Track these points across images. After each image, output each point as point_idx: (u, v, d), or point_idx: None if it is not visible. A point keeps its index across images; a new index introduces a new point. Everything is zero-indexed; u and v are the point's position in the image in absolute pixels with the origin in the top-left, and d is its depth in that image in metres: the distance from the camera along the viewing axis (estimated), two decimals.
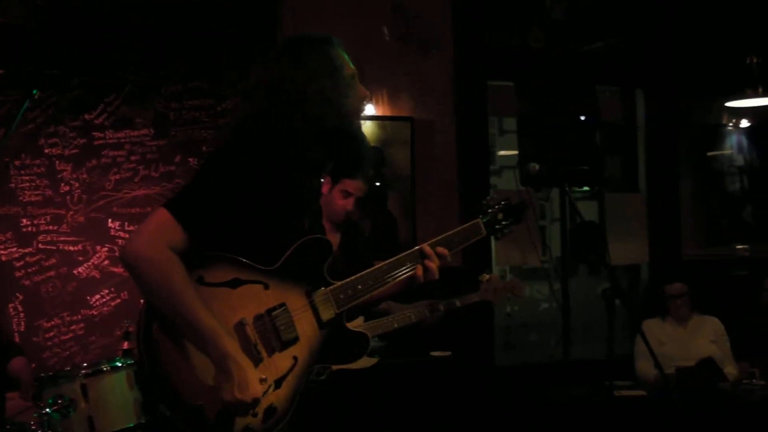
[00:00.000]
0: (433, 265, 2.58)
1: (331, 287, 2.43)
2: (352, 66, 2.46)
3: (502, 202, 2.85)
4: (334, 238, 3.99)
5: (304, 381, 2.35)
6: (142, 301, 2.20)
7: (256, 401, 2.14)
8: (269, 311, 2.28)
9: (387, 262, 2.56)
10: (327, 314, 2.39)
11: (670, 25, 6.89)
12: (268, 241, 2.31)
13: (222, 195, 2.20)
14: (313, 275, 2.40)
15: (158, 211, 2.17)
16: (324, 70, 2.37)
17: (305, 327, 2.36)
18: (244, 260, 2.26)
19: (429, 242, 2.64)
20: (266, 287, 2.29)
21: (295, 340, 2.32)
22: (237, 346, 2.17)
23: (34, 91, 2.47)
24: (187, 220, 2.15)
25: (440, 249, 2.62)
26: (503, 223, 2.83)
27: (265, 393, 2.21)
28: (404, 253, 2.60)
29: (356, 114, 2.48)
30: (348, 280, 2.47)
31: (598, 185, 6.17)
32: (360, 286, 2.47)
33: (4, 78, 2.45)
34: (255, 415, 2.19)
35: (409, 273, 2.58)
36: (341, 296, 2.43)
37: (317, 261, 2.41)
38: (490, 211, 2.81)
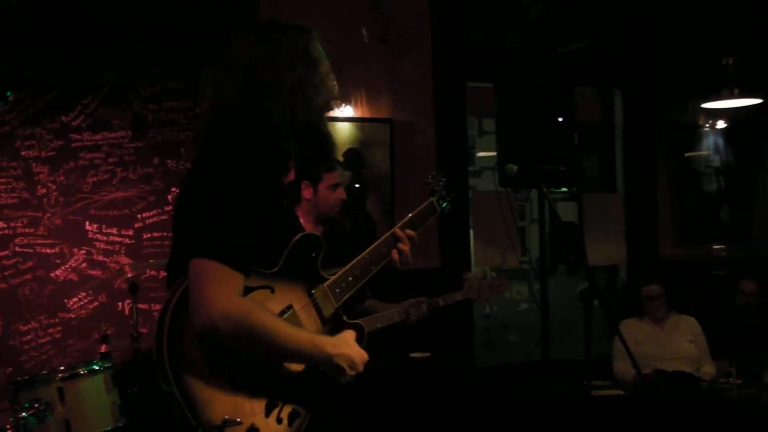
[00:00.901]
0: (406, 247, 2.70)
1: (327, 282, 2.45)
2: (327, 62, 2.43)
3: (443, 179, 3.04)
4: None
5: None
6: (159, 322, 2.11)
7: (364, 361, 2.31)
8: (279, 315, 2.28)
9: (368, 250, 2.63)
10: (328, 310, 2.43)
11: (648, 26, 6.94)
12: (264, 243, 2.27)
13: (247, 218, 2.15)
14: (310, 273, 2.42)
15: (206, 265, 2.08)
16: (300, 59, 2.35)
17: (311, 326, 2.38)
18: (251, 267, 2.22)
19: (397, 225, 2.75)
20: (272, 291, 2.28)
21: None
22: (328, 339, 2.29)
23: (8, 93, 2.45)
24: (238, 263, 2.10)
25: (408, 231, 2.75)
26: (447, 198, 3.02)
27: None
28: (381, 239, 2.69)
29: (326, 109, 2.46)
30: (339, 273, 2.50)
31: (576, 186, 6.20)
32: (350, 278, 2.52)
33: None
34: (280, 422, 2.22)
35: (388, 258, 2.68)
36: (337, 290, 2.47)
37: (311, 258, 2.42)
38: (437, 189, 3.00)
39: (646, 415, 4.84)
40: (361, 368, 2.30)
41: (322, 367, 2.26)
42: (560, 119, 5.39)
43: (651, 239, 6.98)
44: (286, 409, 2.25)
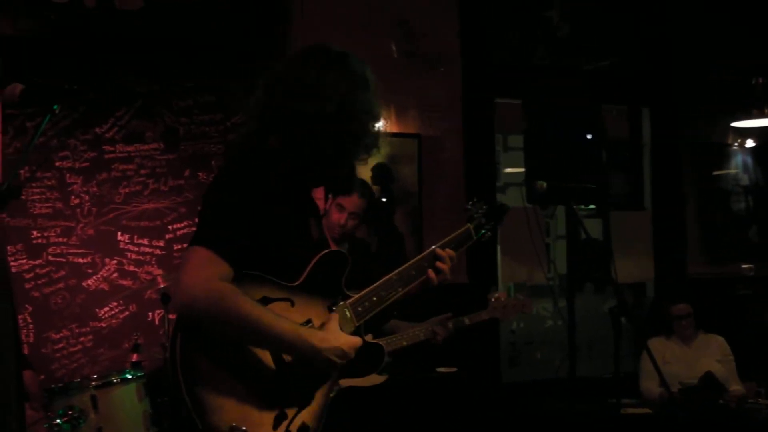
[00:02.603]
0: (446, 266, 2.66)
1: (349, 300, 2.44)
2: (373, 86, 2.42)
3: (485, 207, 2.98)
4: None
5: (331, 397, 2.37)
6: (175, 328, 2.14)
7: (356, 348, 2.29)
8: None
9: (396, 271, 2.59)
10: (348, 328, 2.40)
11: (677, 45, 6.94)
12: (286, 256, 2.30)
13: (247, 215, 2.19)
14: (333, 289, 2.42)
15: (194, 250, 2.12)
16: (363, 84, 2.36)
17: None
18: (269, 278, 2.26)
19: (434, 246, 2.70)
20: (292, 304, 2.29)
21: None
22: (315, 331, 2.27)
23: (55, 106, 2.50)
24: (226, 251, 2.12)
25: (449, 251, 2.70)
26: (487, 226, 2.96)
27: (298, 412, 2.26)
28: (412, 261, 2.65)
29: (372, 133, 2.43)
30: (364, 292, 2.48)
31: (604, 203, 6.19)
32: (375, 298, 2.49)
33: (23, 92, 2.48)
34: None
35: (421, 278, 2.63)
36: (359, 309, 2.44)
37: (336, 274, 2.43)
38: (475, 216, 2.94)
39: None
40: (352, 355, 2.28)
41: (309, 359, 2.22)
42: (589, 136, 5.40)
43: (678, 257, 6.96)
44: (296, 422, 2.25)
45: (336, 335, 2.29)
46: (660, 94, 7.00)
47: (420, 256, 2.68)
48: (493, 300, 4.34)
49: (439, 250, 2.67)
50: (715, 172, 7.22)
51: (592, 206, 6.27)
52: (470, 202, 3.01)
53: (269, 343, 2.19)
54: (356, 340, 2.31)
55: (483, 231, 2.95)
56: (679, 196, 7.02)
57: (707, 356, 5.71)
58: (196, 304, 2.07)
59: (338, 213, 4.05)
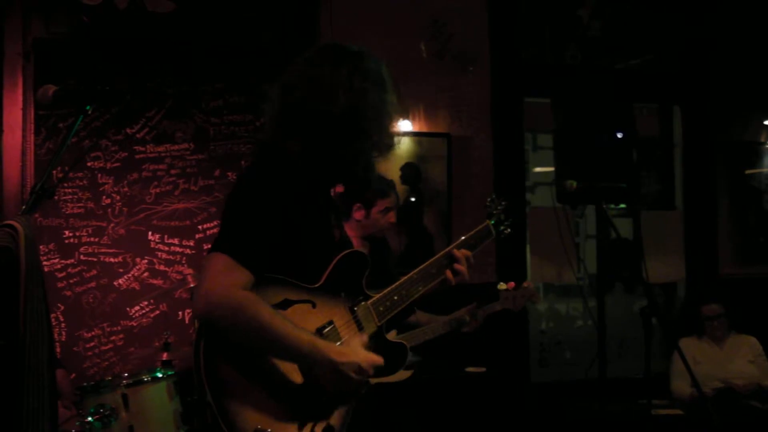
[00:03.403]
0: (463, 267, 2.65)
1: (371, 300, 2.44)
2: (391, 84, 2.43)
3: (503, 203, 2.99)
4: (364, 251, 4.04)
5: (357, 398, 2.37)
6: (198, 334, 2.14)
7: (374, 364, 2.24)
8: (319, 330, 2.28)
9: (417, 270, 2.60)
10: (370, 327, 2.40)
11: (708, 42, 6.87)
12: (307, 258, 2.30)
13: (268, 221, 2.18)
14: (353, 289, 2.41)
15: (214, 257, 2.12)
16: (378, 83, 2.36)
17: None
18: (291, 280, 2.25)
19: (452, 245, 2.71)
20: (314, 306, 2.29)
21: None
22: (334, 346, 2.23)
23: (88, 107, 2.52)
24: (246, 258, 2.11)
25: (465, 251, 2.69)
26: (506, 222, 2.97)
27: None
28: (432, 260, 2.65)
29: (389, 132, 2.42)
30: (385, 291, 2.48)
31: (635, 203, 6.14)
32: (396, 297, 2.49)
33: (56, 93, 2.51)
34: None
35: (440, 278, 2.63)
36: (381, 308, 2.45)
37: (356, 275, 2.43)
38: (495, 212, 2.95)
39: None
40: (370, 372, 2.24)
41: (325, 371, 2.18)
42: (619, 135, 5.36)
43: (710, 257, 6.88)
44: (320, 426, 2.24)
45: (355, 351, 2.26)
46: (692, 93, 6.93)
47: (440, 254, 2.68)
48: (503, 291, 4.35)
49: (455, 252, 2.67)
50: (748, 171, 7.14)
51: (622, 205, 6.23)
52: (489, 199, 3.01)
53: (286, 353, 2.16)
54: (375, 358, 2.27)
55: (502, 227, 2.96)
56: (710, 195, 6.95)
57: (739, 357, 5.67)
58: (216, 312, 2.06)
59: (385, 216, 4.12)
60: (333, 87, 2.28)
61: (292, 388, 2.21)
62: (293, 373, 2.22)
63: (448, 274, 2.63)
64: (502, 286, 4.36)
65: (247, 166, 2.39)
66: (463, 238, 2.77)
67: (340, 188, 3.87)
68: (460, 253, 2.67)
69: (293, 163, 2.29)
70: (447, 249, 2.70)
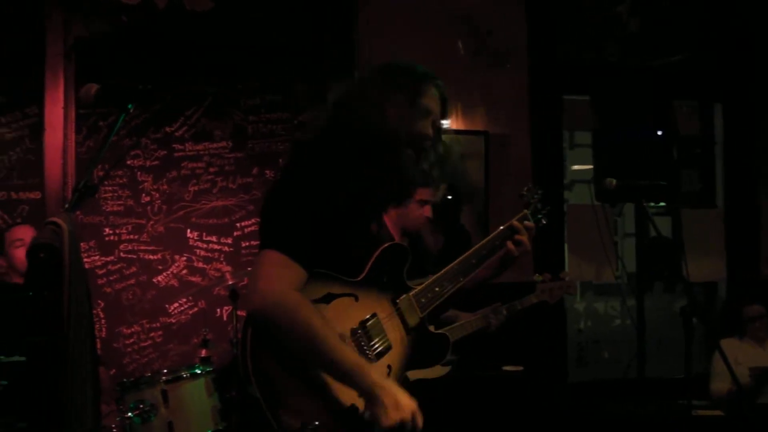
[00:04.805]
0: (525, 237, 2.72)
1: (413, 292, 2.46)
2: (435, 109, 2.42)
3: (539, 192, 3.00)
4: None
5: None
6: (244, 327, 2.15)
7: (414, 414, 2.14)
8: (362, 323, 2.30)
9: (456, 262, 2.61)
10: (413, 319, 2.43)
11: (749, 38, 6.77)
12: (349, 252, 2.32)
13: (315, 216, 2.19)
14: (395, 282, 2.43)
15: (268, 254, 2.14)
16: (407, 89, 2.36)
17: (395, 334, 2.39)
18: (334, 274, 2.27)
19: (492, 234, 2.74)
20: (356, 299, 2.31)
21: (388, 349, 2.35)
22: (379, 372, 2.20)
23: (129, 106, 2.54)
24: (299, 254, 2.13)
25: (527, 223, 2.77)
26: (543, 211, 2.99)
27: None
28: (471, 251, 2.66)
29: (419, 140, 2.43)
30: (426, 283, 2.50)
31: (675, 200, 6.08)
32: (437, 288, 2.51)
33: (98, 92, 2.53)
34: None
35: (503, 251, 2.70)
36: (423, 300, 2.47)
37: (397, 267, 2.44)
38: (531, 202, 2.96)
39: None
40: (409, 417, 2.12)
41: (362, 391, 2.14)
42: (659, 133, 5.31)
43: (751, 256, 6.79)
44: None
45: (399, 391, 2.16)
46: (733, 90, 6.83)
47: (480, 244, 2.70)
48: (539, 283, 4.32)
49: (515, 223, 2.73)
50: None
51: (661, 204, 6.16)
52: (525, 188, 3.01)
53: (329, 364, 2.13)
54: (413, 405, 2.16)
55: (539, 216, 2.97)
56: (752, 194, 6.85)
57: None
58: (270, 311, 2.09)
59: (420, 208, 4.05)
60: (375, 108, 2.32)
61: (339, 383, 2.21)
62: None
63: (510, 245, 2.69)
64: (538, 277, 4.34)
65: (288, 163, 2.40)
66: (501, 227, 2.79)
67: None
68: (520, 224, 2.73)
69: (336, 162, 2.30)
70: (484, 240, 2.71)
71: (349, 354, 2.15)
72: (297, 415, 2.12)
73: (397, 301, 2.42)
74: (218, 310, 5.47)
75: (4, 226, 5.23)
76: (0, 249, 4.84)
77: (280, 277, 2.10)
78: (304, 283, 2.15)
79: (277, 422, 2.10)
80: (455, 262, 2.61)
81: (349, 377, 2.13)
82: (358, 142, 2.32)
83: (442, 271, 2.57)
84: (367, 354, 2.29)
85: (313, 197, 2.21)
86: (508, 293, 4.27)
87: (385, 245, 2.42)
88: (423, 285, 2.49)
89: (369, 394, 2.12)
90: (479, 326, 4.09)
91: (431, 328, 2.51)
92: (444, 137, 2.50)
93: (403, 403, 2.12)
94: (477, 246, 2.68)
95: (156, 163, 5.50)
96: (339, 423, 2.19)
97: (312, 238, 2.17)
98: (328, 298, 2.23)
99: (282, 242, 2.14)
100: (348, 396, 2.19)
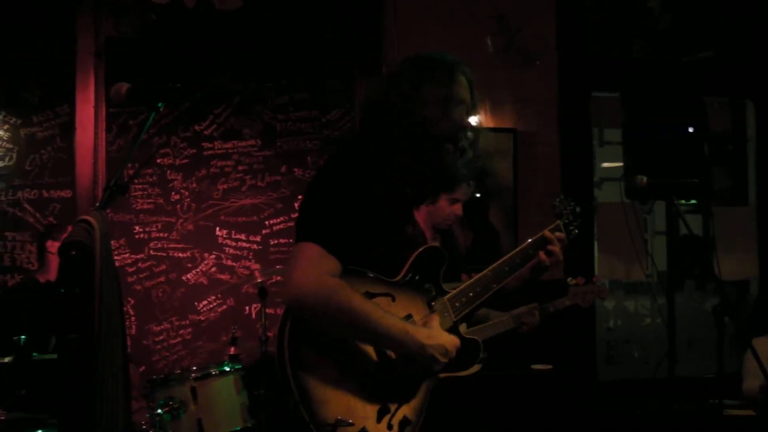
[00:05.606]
0: (557, 248, 2.69)
1: (447, 296, 2.46)
2: (466, 97, 2.43)
3: (572, 203, 2.96)
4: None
5: (431, 391, 2.38)
6: (282, 323, 2.17)
7: (454, 349, 2.31)
8: None
9: (491, 267, 2.61)
10: (446, 323, 2.42)
11: None
12: (387, 251, 2.33)
13: (354, 212, 2.21)
14: (432, 284, 2.44)
15: (304, 246, 2.16)
16: (441, 80, 2.37)
17: None
18: (372, 274, 2.28)
19: (526, 242, 2.71)
20: (393, 299, 2.31)
21: None
22: (422, 329, 2.29)
23: (160, 104, 2.56)
24: (335, 247, 2.15)
25: (559, 234, 2.73)
26: (575, 223, 2.94)
27: (399, 406, 2.27)
28: (504, 258, 2.65)
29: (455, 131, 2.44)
30: (461, 287, 2.50)
31: (706, 198, 6.02)
32: (471, 294, 2.51)
33: (129, 91, 2.55)
34: (390, 428, 2.24)
35: (534, 261, 2.66)
36: (457, 304, 2.47)
37: (434, 270, 2.44)
38: (564, 213, 2.92)
39: None
40: (454, 353, 2.30)
41: (414, 355, 2.24)
42: (690, 130, 5.26)
43: None
44: (398, 416, 2.26)
45: (440, 333, 2.31)
46: (764, 86, 6.74)
47: (513, 252, 2.68)
48: (572, 286, 4.30)
49: (547, 233, 2.71)
50: None
51: (693, 201, 6.10)
52: (557, 199, 2.98)
53: (378, 338, 2.21)
54: (457, 341, 2.33)
55: (572, 227, 2.93)
56: None
57: None
58: (308, 299, 2.11)
59: (451, 206, 4.04)
60: (411, 102, 2.34)
61: (371, 375, 2.23)
62: (371, 359, 2.24)
63: (542, 255, 2.67)
64: (571, 281, 4.33)
65: (329, 159, 2.41)
66: (534, 237, 2.76)
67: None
68: (551, 235, 2.71)
69: (375, 159, 2.31)
70: (517, 249, 2.68)
71: (393, 322, 2.22)
72: (331, 411, 2.13)
73: (433, 303, 2.42)
74: (247, 307, 5.49)
75: (36, 224, 5.30)
76: (41, 250, 4.95)
77: (316, 266, 2.13)
78: (339, 273, 2.15)
79: (311, 417, 2.10)
80: (488, 269, 2.60)
81: (399, 344, 2.22)
82: (398, 139, 2.33)
83: (476, 277, 2.56)
84: None
85: (351, 193, 2.23)
86: (539, 292, 4.25)
87: (424, 247, 2.43)
88: (458, 289, 2.49)
89: (422, 354, 2.23)
90: (510, 327, 4.07)
91: (462, 329, 2.50)
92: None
93: (449, 348, 2.29)
94: (510, 254, 2.67)
95: (185, 161, 5.54)
96: (372, 419, 2.21)
97: (349, 233, 2.19)
98: (366, 297, 2.23)
99: (318, 234, 2.17)
100: (378, 393, 2.21)
